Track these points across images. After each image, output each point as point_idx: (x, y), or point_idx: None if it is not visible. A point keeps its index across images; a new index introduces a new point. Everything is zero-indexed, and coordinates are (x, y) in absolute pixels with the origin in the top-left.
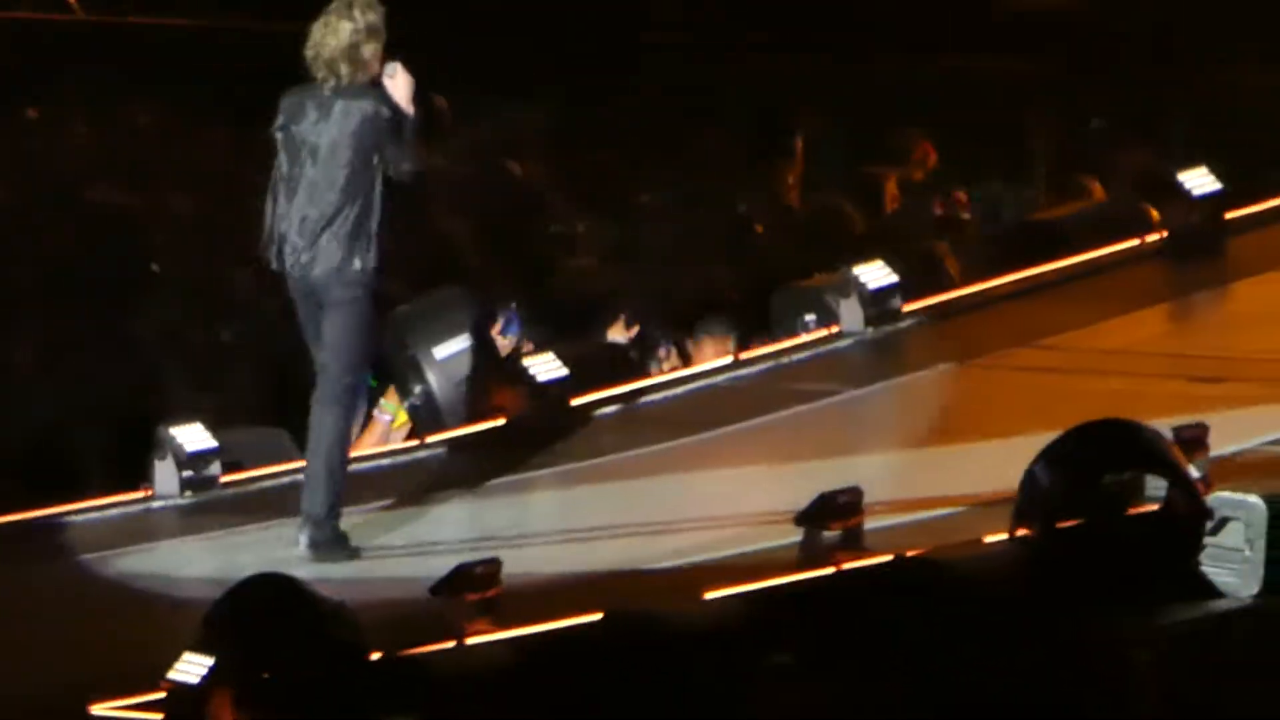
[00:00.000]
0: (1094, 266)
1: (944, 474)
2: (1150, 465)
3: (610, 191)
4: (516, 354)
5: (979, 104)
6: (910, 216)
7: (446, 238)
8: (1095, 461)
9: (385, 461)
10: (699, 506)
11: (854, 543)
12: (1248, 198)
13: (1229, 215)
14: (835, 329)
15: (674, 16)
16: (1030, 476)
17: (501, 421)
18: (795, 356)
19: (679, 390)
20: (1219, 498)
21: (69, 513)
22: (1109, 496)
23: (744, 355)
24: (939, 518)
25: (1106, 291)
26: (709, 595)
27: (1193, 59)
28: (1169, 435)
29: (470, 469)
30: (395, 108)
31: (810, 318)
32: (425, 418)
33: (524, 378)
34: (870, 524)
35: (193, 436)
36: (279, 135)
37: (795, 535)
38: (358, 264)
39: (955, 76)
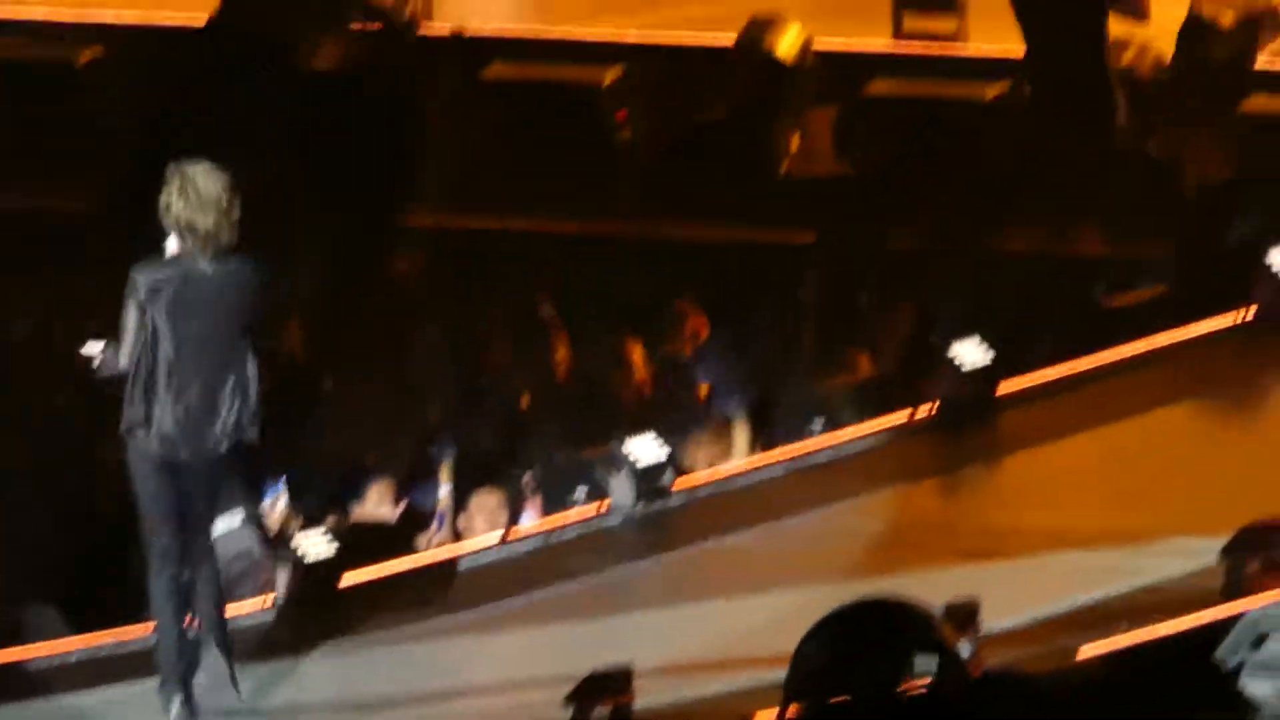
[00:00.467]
0: (861, 444)
1: (715, 649)
2: (919, 643)
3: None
4: (286, 527)
5: (754, 273)
6: (676, 390)
7: None
8: (865, 639)
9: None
10: (465, 685)
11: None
12: (1019, 369)
13: (1000, 387)
14: (605, 505)
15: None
16: (800, 653)
17: (272, 599)
18: (564, 534)
19: (450, 564)
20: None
21: None
22: (879, 673)
23: (513, 531)
24: (709, 695)
25: (875, 468)
26: None
27: (960, 228)
28: (940, 611)
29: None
30: None
31: (581, 492)
32: None
33: (292, 557)
34: (641, 702)
35: None
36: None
37: (564, 715)
38: None
39: (735, 246)
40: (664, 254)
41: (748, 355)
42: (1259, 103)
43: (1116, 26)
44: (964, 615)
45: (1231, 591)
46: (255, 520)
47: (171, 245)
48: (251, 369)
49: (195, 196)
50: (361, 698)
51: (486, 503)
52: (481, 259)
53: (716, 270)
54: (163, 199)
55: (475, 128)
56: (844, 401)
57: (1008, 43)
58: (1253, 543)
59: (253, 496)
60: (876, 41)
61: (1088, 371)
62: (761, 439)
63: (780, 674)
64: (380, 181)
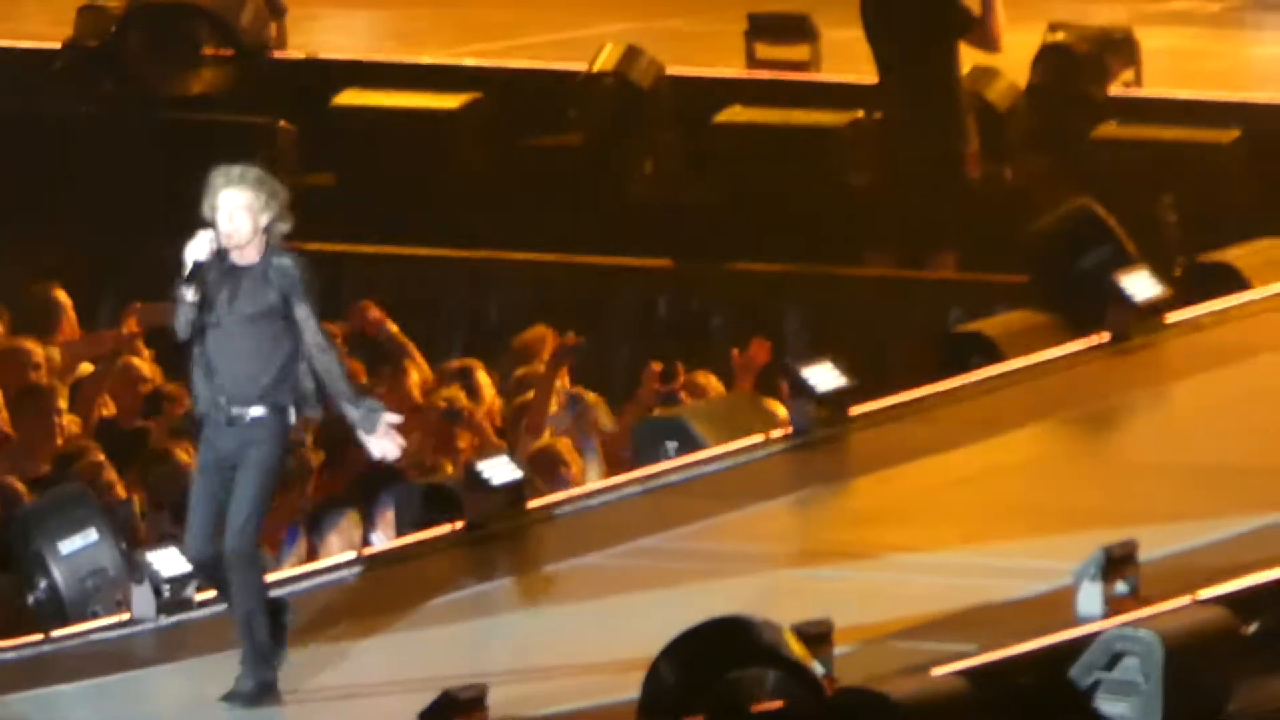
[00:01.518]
0: (717, 464)
1: (570, 670)
2: (772, 662)
3: None
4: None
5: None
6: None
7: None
8: (718, 658)
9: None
10: (321, 706)
11: None
12: (871, 393)
13: (854, 410)
14: (461, 523)
15: None
16: (654, 673)
17: (126, 617)
18: (421, 552)
19: (301, 585)
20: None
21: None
22: (731, 693)
23: (367, 550)
24: (565, 713)
25: (729, 488)
26: None
27: (810, 251)
28: (793, 630)
29: (92, 664)
30: None
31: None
32: (49, 613)
33: (147, 573)
34: None
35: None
36: None
37: None
38: None
39: (589, 271)
40: (517, 278)
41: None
42: (1111, 130)
43: (968, 55)
44: (816, 634)
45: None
46: (109, 536)
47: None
48: (284, 359)
49: (213, 203)
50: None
51: (343, 524)
52: (334, 282)
53: (570, 295)
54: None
55: (327, 153)
56: (699, 423)
57: (861, 71)
58: (1107, 565)
59: (106, 518)
60: (729, 70)
61: (941, 394)
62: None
63: (634, 693)
64: None
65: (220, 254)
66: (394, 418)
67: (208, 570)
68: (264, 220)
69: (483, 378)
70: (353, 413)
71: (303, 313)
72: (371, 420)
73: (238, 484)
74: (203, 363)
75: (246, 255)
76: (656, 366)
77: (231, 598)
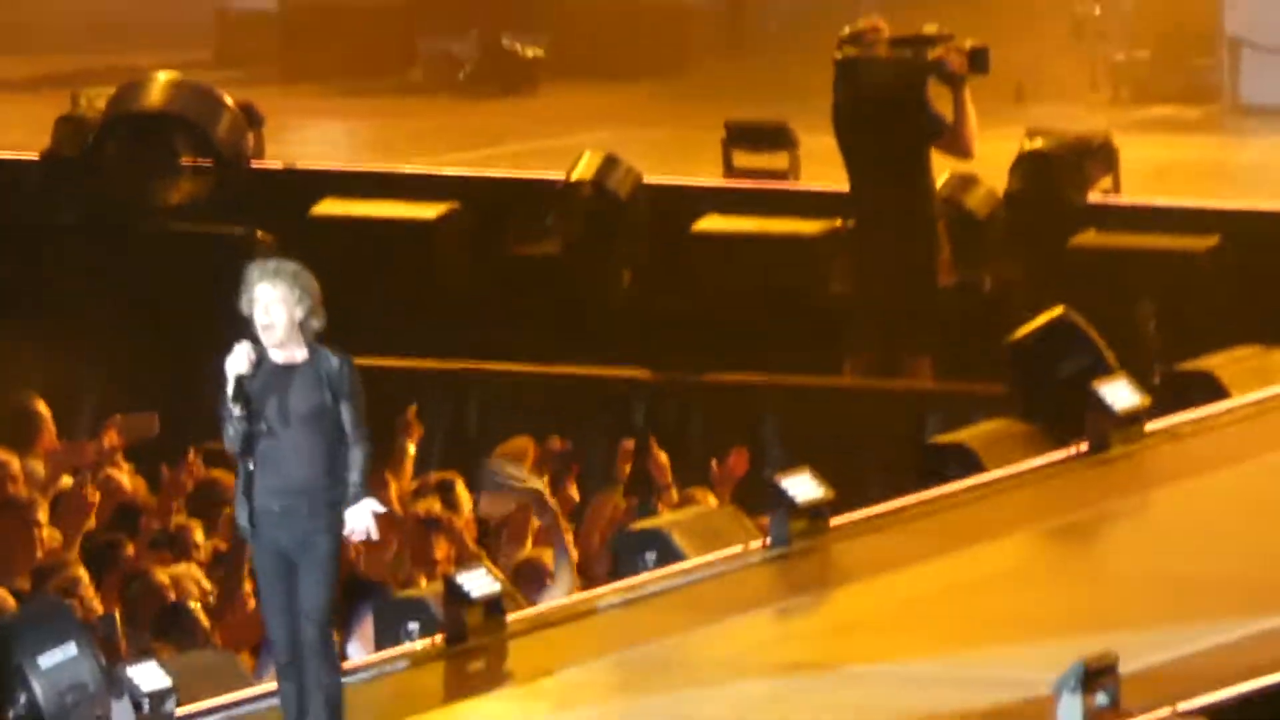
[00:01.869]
0: (697, 575)
1: None
2: None
3: None
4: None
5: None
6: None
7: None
8: None
9: None
10: None
11: None
12: (849, 504)
13: (834, 522)
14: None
15: None
16: None
17: None
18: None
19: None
20: None
21: None
22: None
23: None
24: None
25: (710, 600)
26: None
27: (788, 361)
28: None
29: None
30: None
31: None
32: None
33: (127, 688)
34: None
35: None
36: None
37: None
38: None
39: (566, 382)
40: (496, 388)
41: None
42: (1090, 238)
43: (941, 162)
44: None
45: None
46: (89, 651)
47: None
48: (334, 455)
49: (250, 297)
50: None
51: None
52: None
53: (550, 405)
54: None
55: (305, 262)
56: (680, 534)
57: (841, 179)
58: (1087, 676)
59: (85, 631)
60: (707, 179)
61: (920, 504)
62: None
63: None
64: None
65: (261, 360)
66: (379, 507)
67: (292, 674)
68: (299, 314)
69: (462, 490)
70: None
71: (347, 414)
72: (360, 499)
73: (304, 577)
74: (256, 469)
75: (289, 353)
76: (629, 444)
77: (312, 682)
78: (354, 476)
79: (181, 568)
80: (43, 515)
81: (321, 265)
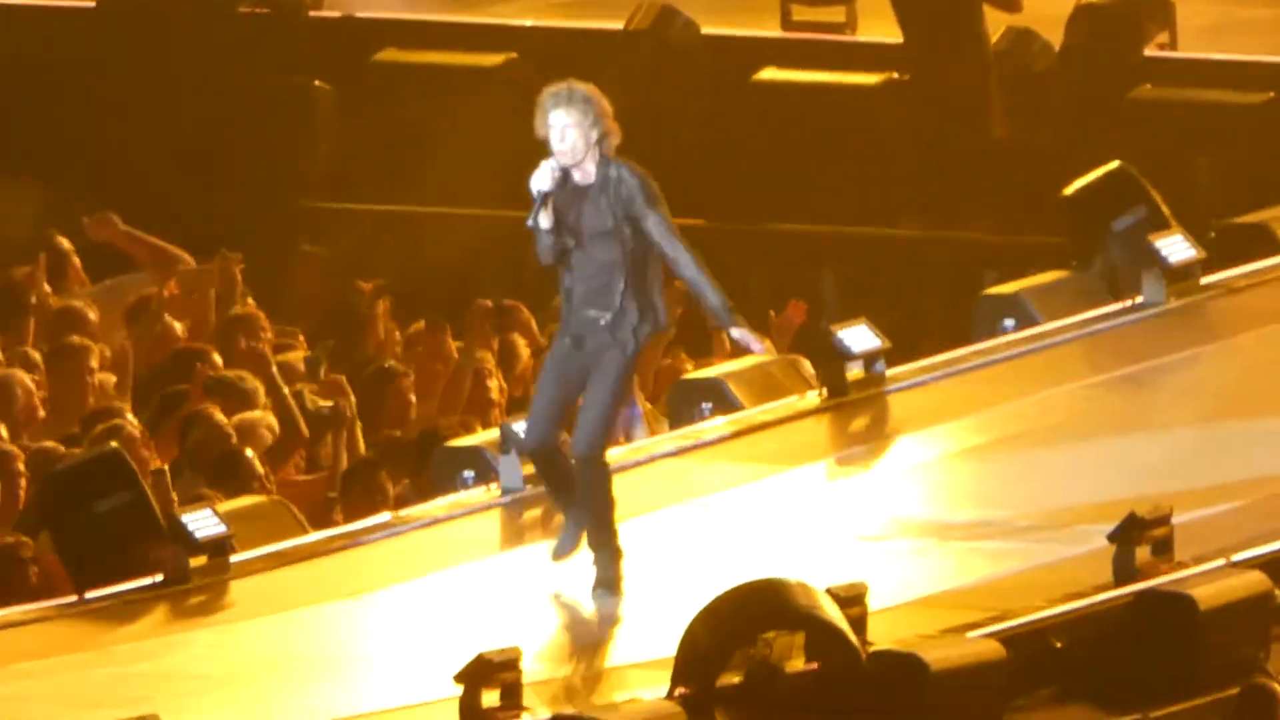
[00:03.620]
0: (753, 425)
1: (606, 632)
2: (807, 624)
3: None
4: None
5: None
6: None
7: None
8: (753, 620)
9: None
10: (354, 667)
11: (513, 701)
12: (907, 354)
13: (891, 371)
14: (496, 485)
15: None
16: (688, 635)
17: (159, 578)
18: (454, 513)
19: (332, 547)
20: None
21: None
22: (766, 655)
23: (402, 512)
24: (602, 675)
25: (767, 450)
26: None
27: (845, 213)
28: (828, 593)
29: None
30: None
31: (469, 474)
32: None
33: (182, 533)
34: (530, 682)
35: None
36: None
37: (454, 693)
38: None
39: None
40: None
41: None
42: (1146, 92)
43: (994, 15)
44: (851, 596)
45: (1122, 577)
46: (144, 496)
47: None
48: (638, 272)
49: (543, 118)
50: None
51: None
52: (373, 241)
53: None
54: None
55: (369, 111)
56: (735, 384)
57: (898, 32)
58: (1139, 528)
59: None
60: (766, 31)
61: (976, 354)
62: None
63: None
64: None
65: (565, 176)
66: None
67: (539, 459)
68: (594, 135)
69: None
70: (713, 301)
71: (650, 220)
72: (730, 317)
73: (590, 389)
74: (566, 282)
75: (585, 173)
76: (679, 285)
77: (574, 496)
78: (699, 278)
79: (256, 414)
80: (94, 361)
81: (384, 112)
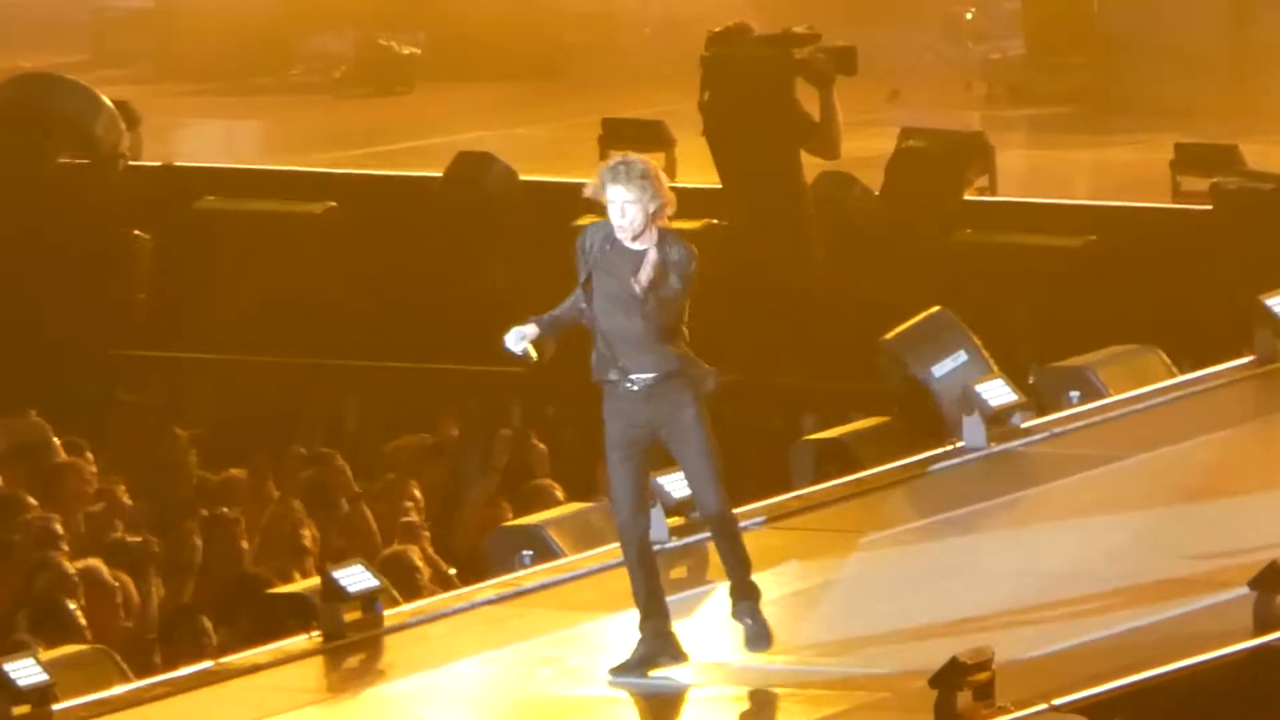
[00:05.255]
0: (577, 571)
1: None
2: None
3: None
4: None
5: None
6: None
7: None
8: None
9: None
10: None
11: None
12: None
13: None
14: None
15: None
16: None
17: None
18: (276, 660)
19: (154, 695)
20: None
21: None
22: None
23: (223, 659)
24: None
25: (589, 596)
26: None
27: None
28: None
29: None
30: None
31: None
32: None
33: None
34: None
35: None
36: None
37: None
38: None
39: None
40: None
41: None
42: (966, 236)
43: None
44: None
45: (1263, 624)
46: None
47: None
48: (671, 335)
49: (601, 193)
50: None
51: None
52: (192, 389)
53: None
54: None
55: (187, 257)
56: (555, 531)
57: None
58: (961, 673)
59: None
60: (585, 178)
61: (795, 501)
62: None
63: None
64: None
65: (609, 238)
66: None
67: (636, 544)
68: (652, 209)
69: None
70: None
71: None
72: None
73: (683, 456)
74: (602, 356)
75: (642, 243)
76: (506, 434)
77: (658, 594)
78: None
79: (93, 561)
80: None
81: (203, 260)
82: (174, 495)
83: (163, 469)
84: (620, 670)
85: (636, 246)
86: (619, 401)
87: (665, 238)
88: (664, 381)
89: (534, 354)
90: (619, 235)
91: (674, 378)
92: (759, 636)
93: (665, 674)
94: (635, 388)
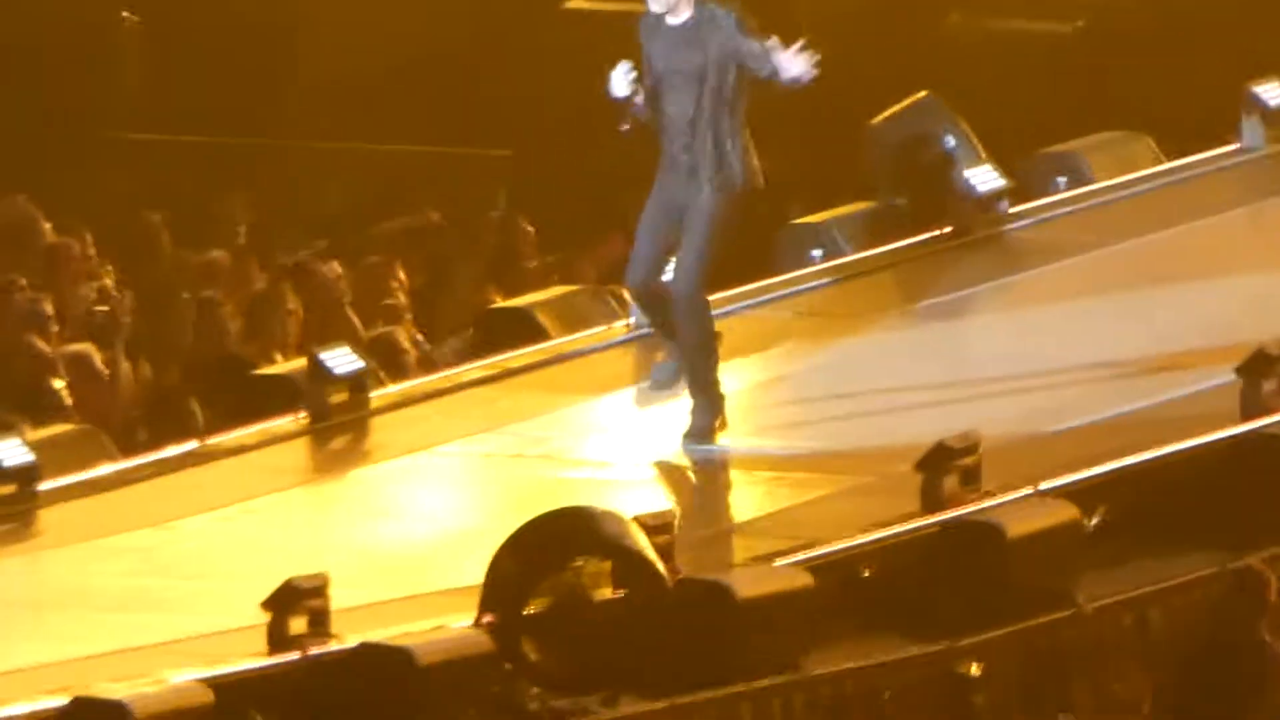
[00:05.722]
0: (563, 354)
1: (416, 561)
2: (614, 552)
3: None
4: None
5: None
6: None
7: None
8: (560, 548)
9: None
10: (163, 594)
11: (321, 628)
12: (714, 285)
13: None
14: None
15: None
16: (495, 563)
17: None
18: (263, 441)
19: (141, 475)
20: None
21: None
22: (573, 583)
23: (209, 439)
24: (409, 602)
25: (575, 379)
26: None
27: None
28: (635, 521)
29: None
30: None
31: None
32: None
33: None
34: (338, 609)
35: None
36: None
37: (262, 619)
38: None
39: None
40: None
41: None
42: (955, 21)
43: None
44: (658, 525)
45: (930, 506)
46: None
47: None
48: (721, 124)
49: None
50: None
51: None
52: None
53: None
54: None
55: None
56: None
57: None
58: (947, 457)
59: None
60: None
61: (782, 284)
62: None
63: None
64: None
65: (658, 18)
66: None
67: (640, 299)
68: None
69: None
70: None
71: (745, 47)
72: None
73: (687, 230)
74: (660, 131)
75: (678, 16)
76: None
77: (672, 336)
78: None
79: (82, 346)
80: None
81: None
82: (154, 277)
83: (140, 250)
84: (660, 373)
85: (676, 21)
86: (663, 175)
87: (705, 8)
88: (702, 168)
89: (640, 95)
90: (653, 6)
91: (707, 168)
92: (690, 433)
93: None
94: (677, 168)
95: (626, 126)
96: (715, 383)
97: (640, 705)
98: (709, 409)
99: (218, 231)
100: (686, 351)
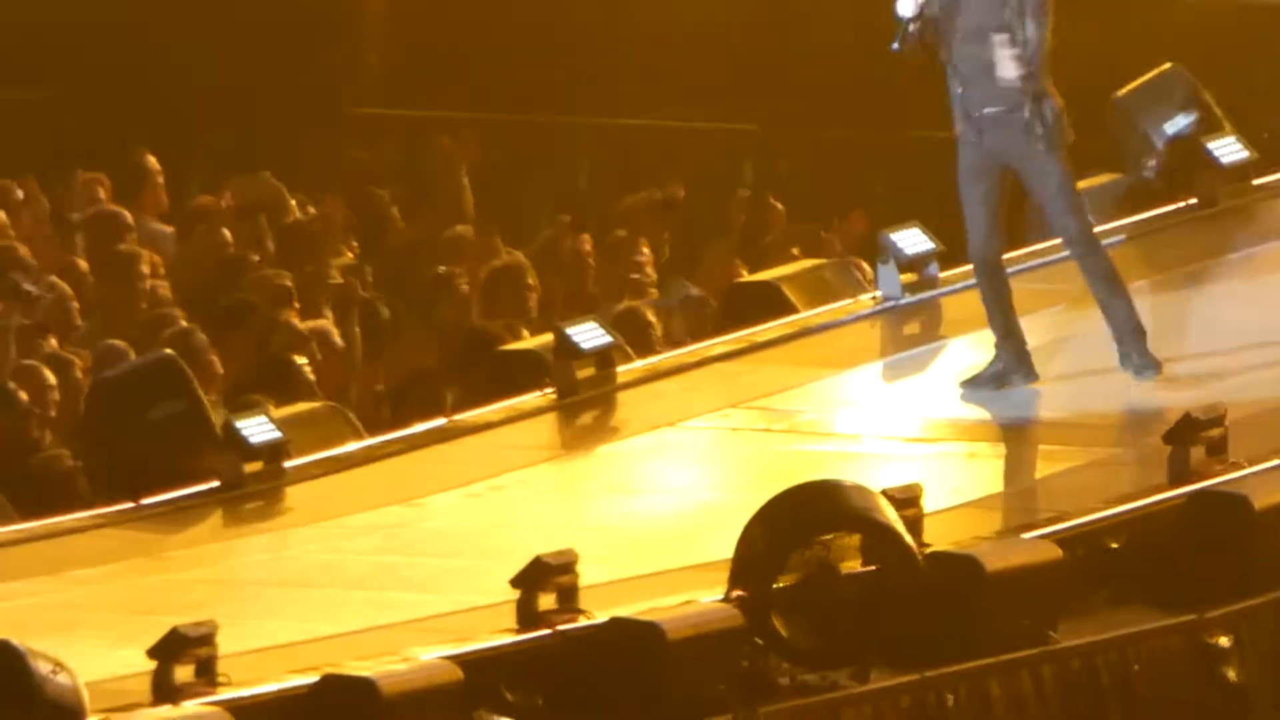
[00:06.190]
0: (810, 327)
1: (664, 537)
2: (863, 526)
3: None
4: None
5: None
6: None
7: None
8: (809, 522)
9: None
10: (410, 572)
11: (570, 605)
12: (959, 258)
13: (944, 274)
14: (551, 389)
15: None
16: (745, 538)
17: (215, 484)
18: (510, 417)
19: (387, 452)
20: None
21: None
22: (822, 557)
23: (457, 416)
24: (658, 578)
25: (822, 352)
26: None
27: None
28: (884, 495)
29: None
30: None
31: None
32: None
33: (237, 439)
34: (587, 585)
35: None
36: None
37: (511, 596)
38: None
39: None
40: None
41: None
42: None
43: None
44: (907, 498)
45: (1177, 478)
46: (199, 403)
47: None
48: (1029, 30)
49: None
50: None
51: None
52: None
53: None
54: None
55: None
56: (790, 288)
57: None
58: (1194, 429)
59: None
60: None
61: (1031, 254)
62: None
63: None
64: None
65: None
66: None
67: (988, 271)
68: None
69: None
70: None
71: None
72: None
73: (1035, 188)
74: (954, 87)
75: None
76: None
77: (1010, 312)
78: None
79: (322, 322)
80: (146, 268)
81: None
82: (391, 250)
83: (372, 225)
84: (972, 383)
85: None
86: (967, 126)
87: None
88: (1009, 115)
89: (919, 31)
90: None
91: (1017, 111)
92: (1137, 368)
93: (1014, 392)
94: (980, 118)
95: (897, 46)
96: (1135, 313)
97: (889, 679)
98: (1133, 335)
99: (454, 207)
100: (1107, 291)
